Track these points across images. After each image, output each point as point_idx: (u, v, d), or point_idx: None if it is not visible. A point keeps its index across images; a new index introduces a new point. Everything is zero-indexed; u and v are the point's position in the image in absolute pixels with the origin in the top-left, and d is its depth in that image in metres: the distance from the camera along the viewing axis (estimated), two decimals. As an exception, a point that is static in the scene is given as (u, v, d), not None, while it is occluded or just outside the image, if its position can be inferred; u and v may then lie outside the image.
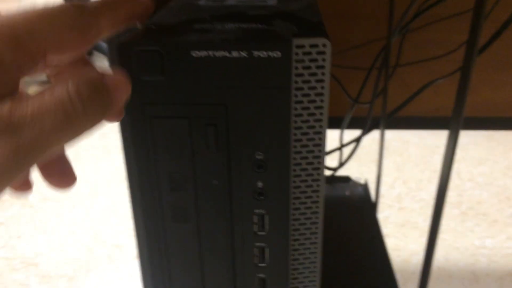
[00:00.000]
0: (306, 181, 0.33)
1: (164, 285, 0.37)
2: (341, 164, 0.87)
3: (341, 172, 0.93)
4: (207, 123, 0.31)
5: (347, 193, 0.91)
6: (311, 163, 0.33)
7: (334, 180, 0.95)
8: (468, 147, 1.58)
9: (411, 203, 1.29)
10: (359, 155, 1.52)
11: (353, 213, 0.85)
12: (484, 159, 1.52)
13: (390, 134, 1.56)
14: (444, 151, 0.51)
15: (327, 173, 0.94)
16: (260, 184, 0.33)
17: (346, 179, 0.95)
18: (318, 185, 0.34)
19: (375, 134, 0.87)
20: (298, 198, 0.34)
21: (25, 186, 0.28)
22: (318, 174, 0.33)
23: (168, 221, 0.34)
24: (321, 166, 0.33)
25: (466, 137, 1.62)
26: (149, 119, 0.31)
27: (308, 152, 0.32)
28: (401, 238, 1.16)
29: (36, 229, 1.24)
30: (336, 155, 0.93)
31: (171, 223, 0.34)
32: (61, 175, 0.30)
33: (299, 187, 0.34)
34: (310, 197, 0.34)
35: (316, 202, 0.34)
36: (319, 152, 0.32)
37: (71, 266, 1.10)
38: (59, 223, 1.26)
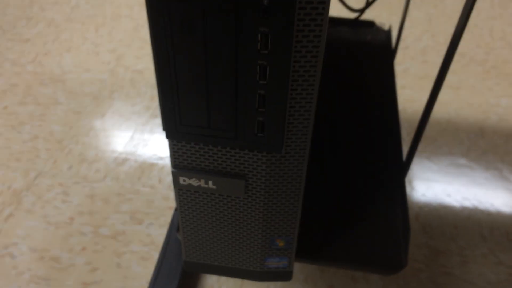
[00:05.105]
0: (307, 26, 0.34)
1: (173, 103, 0.40)
2: (368, 4, 0.84)
3: (370, 18, 0.90)
4: None
5: (369, 38, 0.90)
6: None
7: (358, 24, 0.93)
8: (508, 5, 1.49)
9: (436, 57, 1.27)
10: (390, 2, 1.45)
11: (371, 58, 0.85)
12: (521, 17, 1.45)
13: (426, -19, 1.48)
14: None
15: (352, 15, 0.92)
16: (266, 1, 0.33)
17: (370, 24, 0.93)
18: (320, 30, 0.34)
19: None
20: (300, 41, 0.35)
21: None
22: (323, 8, 0.33)
23: (175, 31, 0.35)
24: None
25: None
26: None
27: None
28: (418, 90, 1.17)
29: (62, 48, 1.27)
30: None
31: (178, 34, 0.35)
32: None
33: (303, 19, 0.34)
34: (311, 41, 0.35)
35: (317, 47, 0.35)
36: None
37: (95, 85, 1.16)
38: (83, 44, 1.29)
